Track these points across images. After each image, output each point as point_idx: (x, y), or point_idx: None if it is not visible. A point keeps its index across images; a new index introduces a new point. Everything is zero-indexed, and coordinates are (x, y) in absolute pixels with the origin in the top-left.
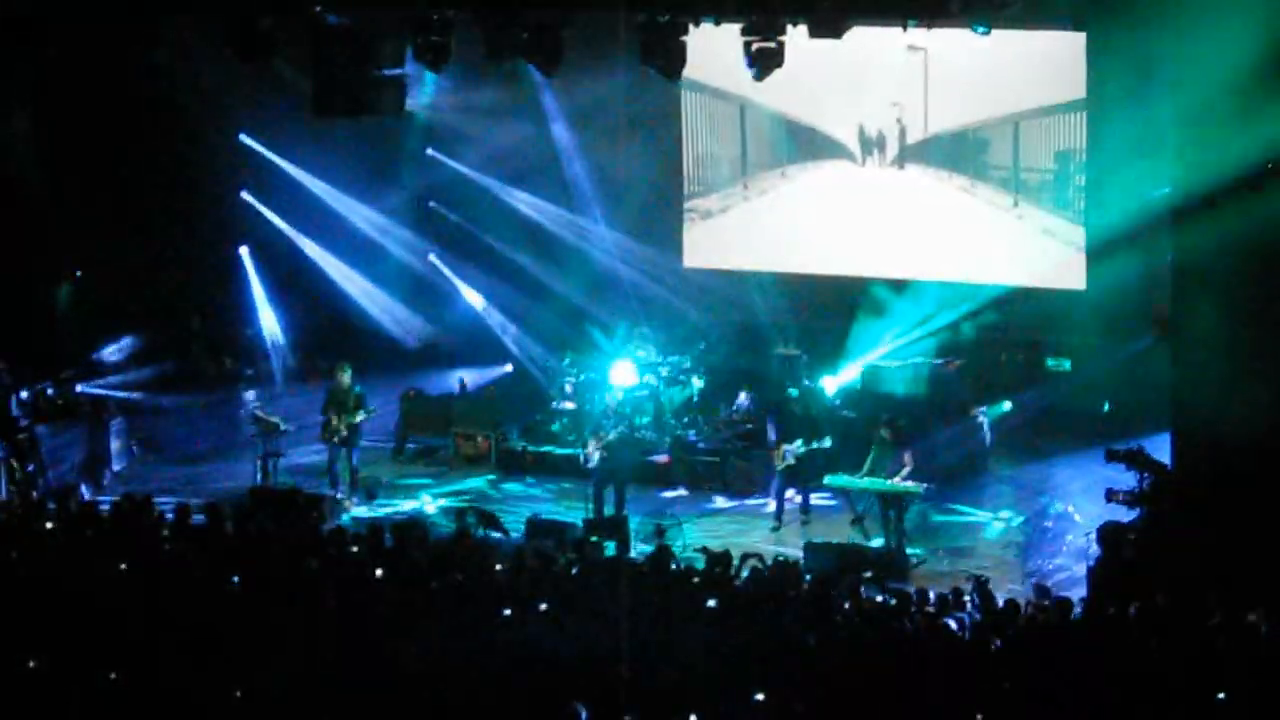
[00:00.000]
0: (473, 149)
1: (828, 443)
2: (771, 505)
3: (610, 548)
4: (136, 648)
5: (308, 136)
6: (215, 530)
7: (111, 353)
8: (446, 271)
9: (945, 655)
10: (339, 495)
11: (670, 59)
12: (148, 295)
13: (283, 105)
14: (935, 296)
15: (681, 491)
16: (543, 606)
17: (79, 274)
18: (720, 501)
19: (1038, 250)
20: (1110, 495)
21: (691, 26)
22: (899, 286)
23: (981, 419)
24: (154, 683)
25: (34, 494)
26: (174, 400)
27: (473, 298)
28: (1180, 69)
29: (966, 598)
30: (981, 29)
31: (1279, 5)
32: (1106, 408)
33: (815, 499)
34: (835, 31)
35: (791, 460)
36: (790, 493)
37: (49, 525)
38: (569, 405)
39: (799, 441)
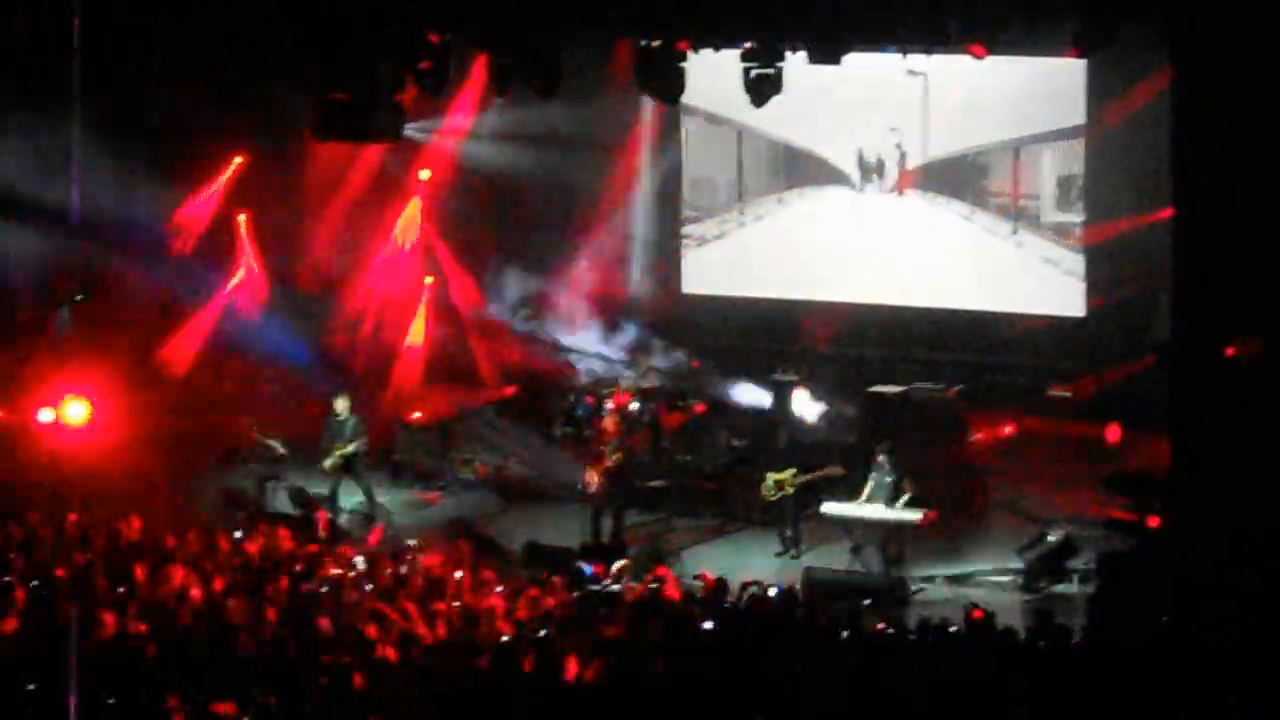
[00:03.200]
0: (467, 172)
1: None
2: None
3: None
4: (130, 671)
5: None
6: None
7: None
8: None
9: (944, 684)
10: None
11: (669, 84)
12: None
13: (281, 128)
14: (934, 323)
15: (680, 517)
16: (542, 633)
17: (80, 297)
18: (718, 528)
19: (1038, 277)
20: (1109, 522)
21: (690, 52)
22: (898, 313)
23: (979, 446)
24: (150, 706)
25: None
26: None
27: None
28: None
29: (966, 626)
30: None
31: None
32: (1113, 436)
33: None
34: (834, 58)
35: (774, 489)
36: None
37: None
38: (568, 430)
39: (791, 470)
